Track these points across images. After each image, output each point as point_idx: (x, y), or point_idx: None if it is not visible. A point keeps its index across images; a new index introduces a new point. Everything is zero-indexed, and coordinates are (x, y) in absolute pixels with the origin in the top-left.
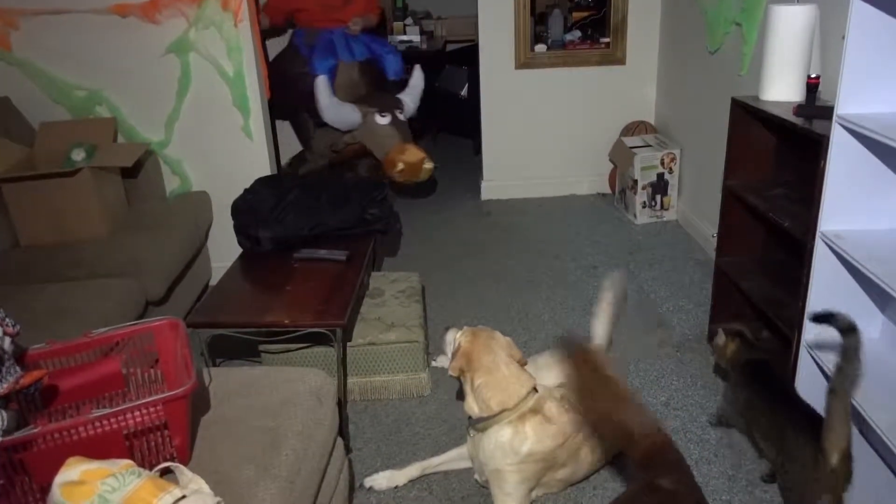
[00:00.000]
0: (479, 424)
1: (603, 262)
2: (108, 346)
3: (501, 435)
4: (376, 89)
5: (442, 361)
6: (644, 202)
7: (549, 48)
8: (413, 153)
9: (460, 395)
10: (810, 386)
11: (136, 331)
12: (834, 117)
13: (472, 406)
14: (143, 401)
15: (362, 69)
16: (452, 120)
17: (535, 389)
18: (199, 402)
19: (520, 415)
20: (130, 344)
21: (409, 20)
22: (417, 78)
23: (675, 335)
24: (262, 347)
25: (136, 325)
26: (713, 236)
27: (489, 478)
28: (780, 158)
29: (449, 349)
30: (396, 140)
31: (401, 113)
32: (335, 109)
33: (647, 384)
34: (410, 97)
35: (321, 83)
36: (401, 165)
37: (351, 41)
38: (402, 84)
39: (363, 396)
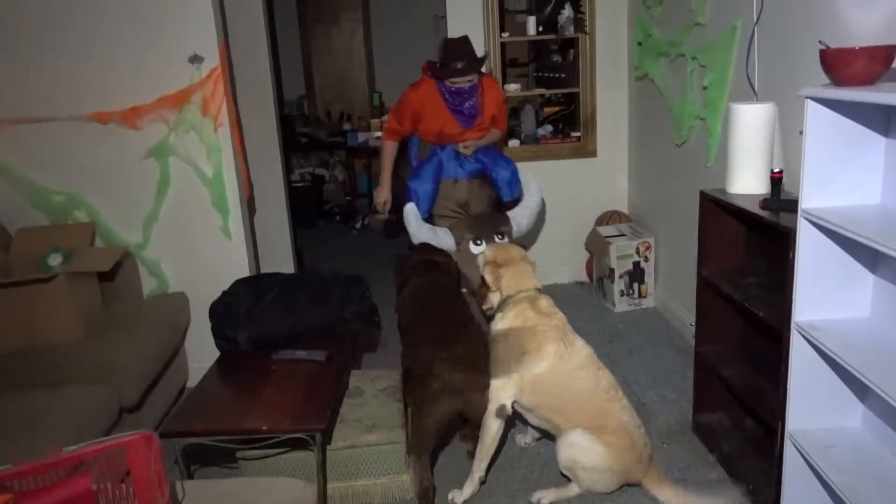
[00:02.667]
0: (497, 310)
1: None
2: (79, 463)
3: (502, 311)
4: (492, 205)
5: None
6: (622, 290)
7: (522, 142)
8: None
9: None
10: (796, 474)
11: (108, 447)
12: (799, 211)
13: (493, 298)
14: None
15: (472, 187)
16: None
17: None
18: None
19: (519, 298)
20: (102, 460)
21: (385, 117)
22: (535, 192)
23: (660, 425)
24: (239, 454)
25: (107, 440)
26: (691, 325)
27: None
28: (750, 247)
29: (480, 260)
30: None
31: (502, 237)
32: (426, 236)
33: None
34: (524, 214)
35: (409, 212)
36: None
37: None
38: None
39: (344, 503)
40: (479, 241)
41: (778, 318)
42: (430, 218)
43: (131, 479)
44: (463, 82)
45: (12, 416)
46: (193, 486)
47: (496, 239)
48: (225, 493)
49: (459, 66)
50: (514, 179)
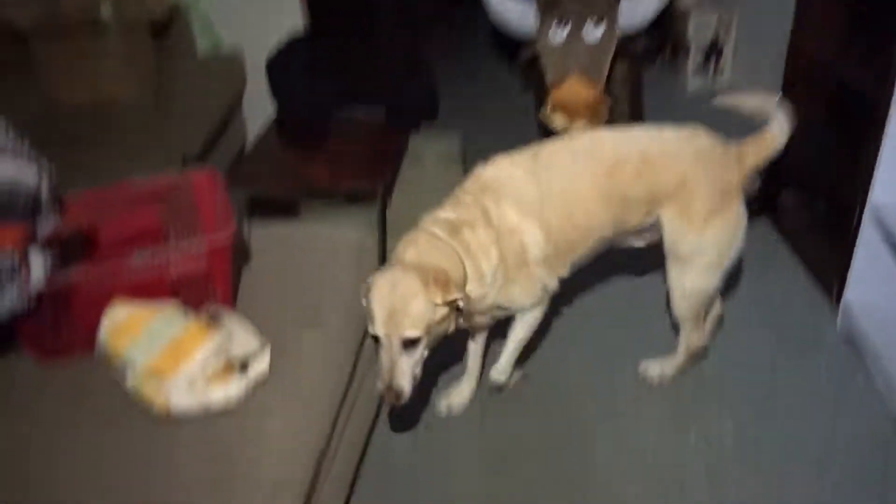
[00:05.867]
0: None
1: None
2: (147, 196)
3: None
4: None
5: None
6: (697, 67)
7: None
8: (573, 89)
9: None
10: (870, 252)
11: (176, 182)
12: None
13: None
14: (187, 244)
15: None
16: None
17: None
18: (239, 255)
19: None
20: (170, 196)
21: None
22: None
23: None
24: (302, 207)
25: (174, 175)
26: None
27: None
28: (854, 27)
29: None
30: (562, 66)
31: (599, 23)
32: (505, 8)
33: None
34: (640, 5)
35: None
36: (550, 105)
37: None
38: None
39: None
40: (563, 24)
41: (874, 85)
42: None
43: (198, 215)
44: None
45: (76, 169)
46: (259, 228)
47: (590, 24)
48: (291, 236)
49: None
50: None
